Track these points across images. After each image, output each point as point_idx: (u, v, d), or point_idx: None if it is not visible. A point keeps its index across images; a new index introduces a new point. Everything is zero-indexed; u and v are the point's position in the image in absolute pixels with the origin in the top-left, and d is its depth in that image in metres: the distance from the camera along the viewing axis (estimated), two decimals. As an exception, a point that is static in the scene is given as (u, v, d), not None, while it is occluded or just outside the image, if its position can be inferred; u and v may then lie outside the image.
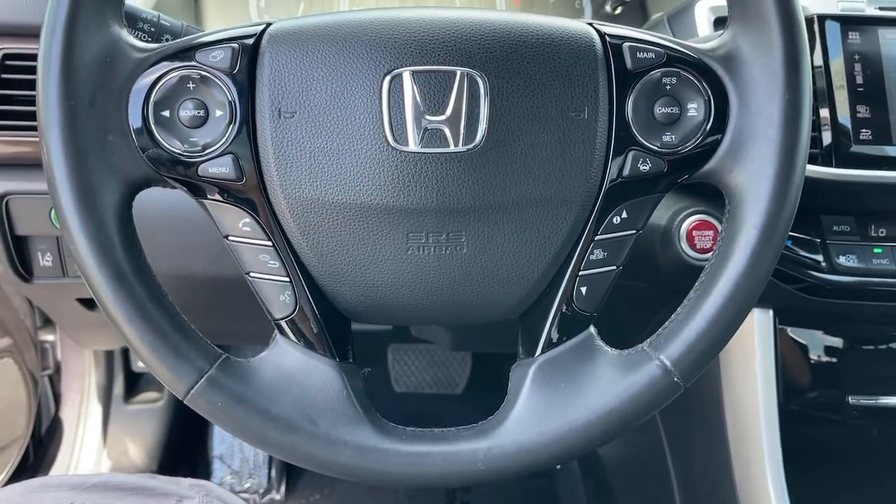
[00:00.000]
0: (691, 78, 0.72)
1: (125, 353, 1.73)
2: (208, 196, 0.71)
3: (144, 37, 0.83)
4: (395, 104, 0.69)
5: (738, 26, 0.72)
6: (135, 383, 1.75)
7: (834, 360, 1.16)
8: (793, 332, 1.14)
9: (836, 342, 1.15)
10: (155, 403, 1.74)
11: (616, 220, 0.73)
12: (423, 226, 0.71)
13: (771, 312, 1.12)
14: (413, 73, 0.69)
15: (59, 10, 0.66)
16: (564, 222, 0.73)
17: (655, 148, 0.72)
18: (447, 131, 0.69)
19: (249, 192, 0.71)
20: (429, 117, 0.69)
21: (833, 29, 1.04)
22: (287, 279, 0.73)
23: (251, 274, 0.73)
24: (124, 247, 0.69)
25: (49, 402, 1.73)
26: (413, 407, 1.82)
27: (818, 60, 1.03)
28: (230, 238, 0.72)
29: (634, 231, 0.74)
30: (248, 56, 0.70)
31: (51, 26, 0.67)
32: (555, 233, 0.73)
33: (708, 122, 0.72)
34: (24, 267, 1.12)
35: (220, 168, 0.70)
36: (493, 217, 0.71)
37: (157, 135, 0.70)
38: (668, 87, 0.72)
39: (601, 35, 0.73)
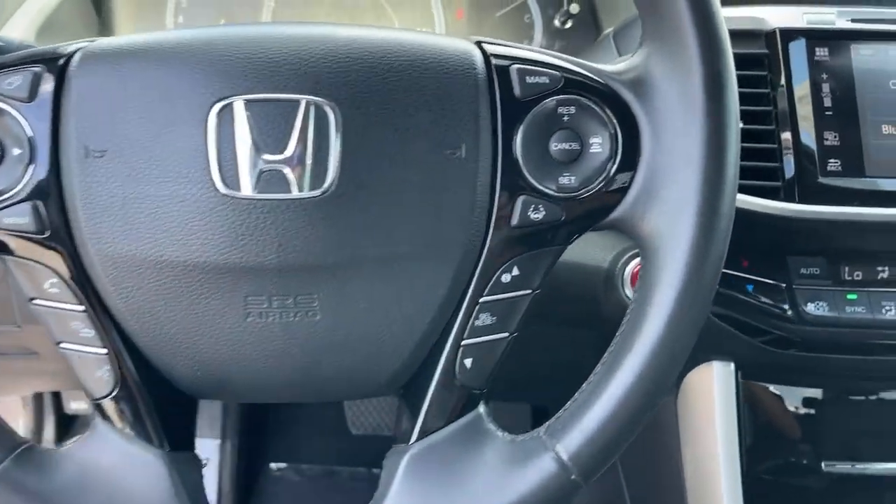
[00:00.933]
0: (594, 107, 0.59)
1: (56, 393, 1.61)
2: (7, 252, 0.59)
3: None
4: (224, 140, 0.56)
5: (651, 45, 0.59)
6: (68, 426, 1.63)
7: (805, 419, 1.02)
8: (757, 388, 1.00)
9: (808, 399, 1.01)
10: None
11: (505, 278, 0.61)
12: (263, 288, 0.58)
13: (732, 366, 0.98)
14: (247, 103, 0.56)
15: None
16: (441, 282, 0.60)
17: (551, 192, 0.59)
18: (289, 173, 0.56)
19: (55, 247, 0.59)
20: (266, 156, 0.56)
21: (798, 45, 0.90)
22: (105, 351, 0.60)
23: (62, 345, 0.61)
24: None
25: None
26: (371, 452, 1.68)
27: (781, 80, 0.90)
28: (35, 302, 0.60)
29: (529, 291, 0.61)
30: (52, 82, 0.58)
31: None
32: (429, 295, 0.60)
33: (614, 159, 0.59)
34: None
35: (18, 218, 0.58)
36: (351, 277, 0.59)
37: None
38: (565, 119, 0.59)
39: (485, 56, 0.60)
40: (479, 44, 0.62)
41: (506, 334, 0.62)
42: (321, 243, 0.57)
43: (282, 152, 0.56)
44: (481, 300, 0.61)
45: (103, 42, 0.60)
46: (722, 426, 0.98)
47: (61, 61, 0.58)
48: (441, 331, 0.61)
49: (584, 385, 0.61)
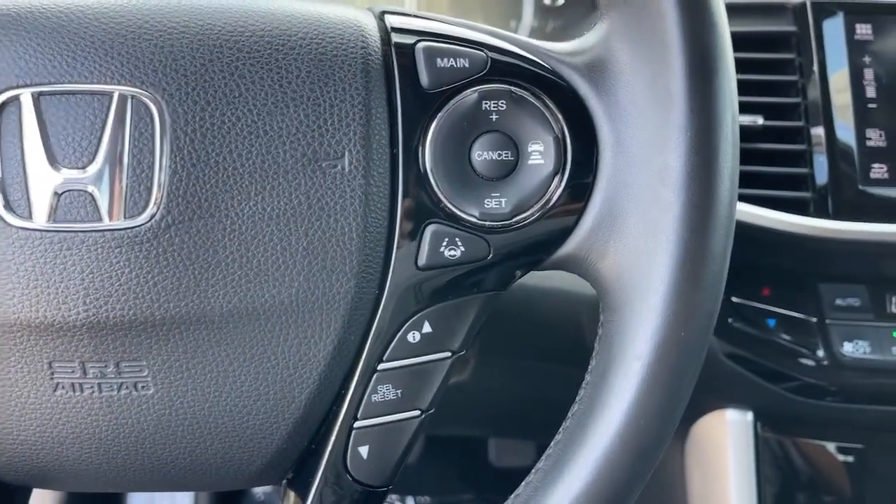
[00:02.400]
0: (533, 101, 0.43)
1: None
2: None
3: None
4: (9, 149, 0.40)
5: (612, 16, 0.42)
6: None
7: (836, 480, 0.83)
8: (779, 442, 0.82)
9: (840, 456, 0.83)
10: None
11: (412, 337, 0.44)
12: (73, 351, 0.42)
13: (750, 415, 0.81)
14: (37, 97, 0.40)
15: None
16: (320, 344, 0.43)
17: (472, 219, 0.43)
18: (97, 194, 0.40)
19: None
20: (66, 171, 0.40)
21: (834, 22, 0.72)
22: None
23: None
24: None
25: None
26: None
27: (812, 65, 0.72)
28: None
29: (448, 354, 0.45)
30: None
31: None
32: (305, 361, 0.43)
33: (562, 174, 0.43)
34: None
35: None
36: (191, 337, 0.42)
37: None
38: (493, 118, 0.43)
39: (384, 30, 0.44)
40: (382, 15, 0.45)
41: (416, 412, 0.45)
42: (144, 292, 0.41)
43: (87, 166, 0.40)
44: (380, 367, 0.44)
45: None
46: (737, 485, 0.81)
47: None
48: (327, 409, 0.45)
49: (529, 475, 0.44)
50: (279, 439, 0.45)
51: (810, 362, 0.74)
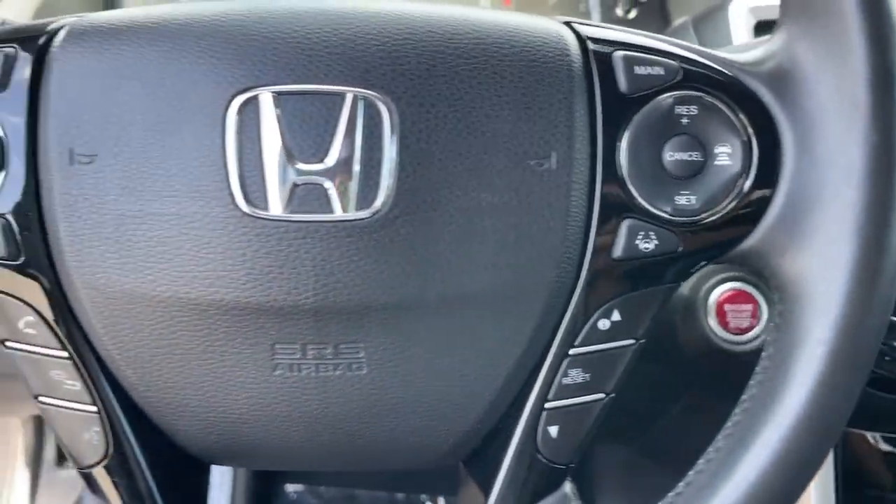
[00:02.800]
0: (722, 107, 0.46)
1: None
2: None
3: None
4: (247, 144, 0.43)
5: (795, 26, 0.46)
6: (70, 445, 1.51)
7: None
8: (860, 438, 0.86)
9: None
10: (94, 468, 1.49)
11: (603, 324, 0.47)
12: (296, 333, 0.45)
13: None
14: (277, 96, 0.43)
15: None
16: (520, 329, 0.47)
17: (665, 215, 0.46)
18: (330, 188, 0.43)
19: (31, 277, 0.46)
20: (301, 166, 0.43)
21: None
22: (93, 408, 0.48)
23: (41, 398, 0.48)
24: None
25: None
26: (391, 475, 1.55)
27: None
28: (8, 344, 0.48)
29: (632, 341, 0.48)
30: (29, 66, 0.45)
31: None
32: (506, 345, 0.47)
33: (747, 175, 0.46)
34: None
35: None
36: (407, 322, 0.46)
37: None
38: (684, 122, 0.46)
39: (581, 39, 0.47)
40: (568, 24, 0.49)
41: (601, 395, 0.49)
42: (370, 279, 0.44)
43: (321, 161, 0.43)
44: (571, 352, 0.47)
45: (94, 17, 0.47)
46: (815, 481, 0.84)
47: (41, 40, 0.46)
48: (519, 390, 0.48)
49: (700, 463, 0.47)
50: (473, 419, 0.49)
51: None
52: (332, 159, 0.43)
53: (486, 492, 0.50)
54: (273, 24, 0.44)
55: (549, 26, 0.47)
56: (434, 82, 0.44)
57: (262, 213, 0.44)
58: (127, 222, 0.44)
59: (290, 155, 0.43)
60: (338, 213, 0.43)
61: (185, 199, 0.44)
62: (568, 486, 0.50)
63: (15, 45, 0.45)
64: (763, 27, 0.81)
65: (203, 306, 0.45)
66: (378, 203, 0.44)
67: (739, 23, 0.82)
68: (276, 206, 0.43)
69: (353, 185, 0.43)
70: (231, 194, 0.43)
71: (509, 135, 0.45)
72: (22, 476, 1.48)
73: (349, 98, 0.43)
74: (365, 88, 0.43)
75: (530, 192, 0.45)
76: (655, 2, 1.01)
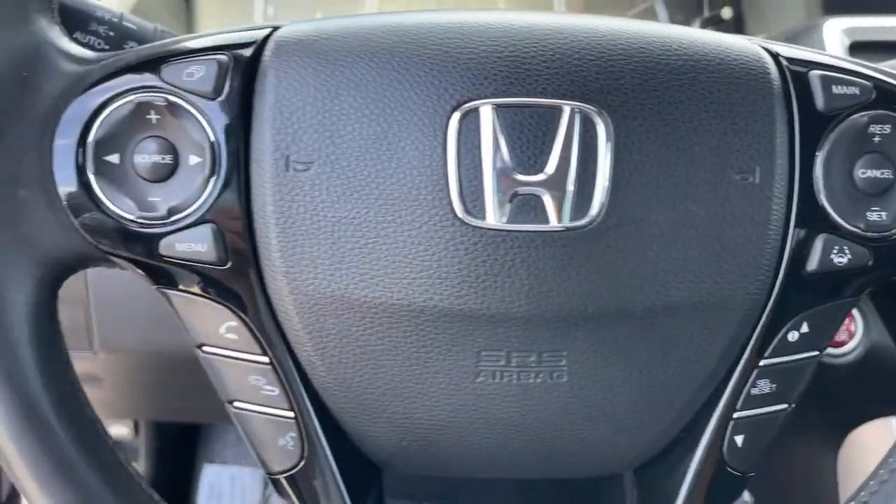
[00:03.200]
0: None
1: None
2: (174, 285, 0.47)
3: (98, 43, 0.58)
4: (467, 155, 0.44)
5: None
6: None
7: None
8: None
9: None
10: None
11: (792, 336, 0.49)
12: (503, 341, 0.46)
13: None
14: (497, 109, 0.44)
15: None
16: (716, 340, 0.48)
17: (857, 231, 0.48)
18: (547, 199, 0.44)
19: (237, 282, 0.46)
20: (520, 176, 0.44)
21: None
22: (291, 414, 0.48)
23: (236, 403, 0.48)
24: (41, 366, 0.45)
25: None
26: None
27: None
28: (206, 349, 0.48)
29: (817, 353, 0.50)
30: (242, 74, 0.46)
31: None
32: (701, 354, 0.48)
33: None
34: None
35: (194, 244, 0.45)
36: (610, 330, 0.46)
37: (97, 191, 0.45)
38: (876, 140, 0.48)
39: (775, 58, 0.49)
40: (760, 44, 0.50)
41: (785, 406, 0.50)
42: (581, 288, 0.45)
43: (539, 172, 0.44)
44: (761, 363, 0.49)
45: (297, 28, 0.47)
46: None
47: (250, 50, 0.46)
48: (705, 400, 0.49)
49: (871, 483, 0.49)
50: (661, 428, 0.50)
51: None
52: (549, 171, 0.44)
53: (667, 501, 0.50)
54: (489, 37, 0.45)
55: (748, 45, 0.48)
56: (647, 97, 0.45)
57: (479, 223, 0.44)
58: (342, 228, 0.45)
59: (508, 166, 0.44)
60: (553, 223, 0.44)
61: (402, 207, 0.44)
62: (747, 496, 0.51)
63: (226, 53, 0.46)
64: (857, 48, 0.83)
65: (415, 313, 0.45)
66: (592, 214, 0.44)
67: (834, 43, 0.83)
68: (493, 216, 0.44)
69: (569, 197, 0.44)
70: (450, 203, 0.44)
71: (716, 149, 0.46)
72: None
73: (567, 111, 0.44)
74: (581, 102, 0.44)
75: (734, 205, 0.46)
76: (732, 21, 1.03)
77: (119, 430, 1.49)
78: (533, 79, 0.44)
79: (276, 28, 0.48)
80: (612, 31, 0.46)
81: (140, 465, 1.53)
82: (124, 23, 0.59)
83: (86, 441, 0.46)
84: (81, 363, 0.92)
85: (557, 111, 0.44)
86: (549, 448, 0.49)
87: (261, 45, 0.46)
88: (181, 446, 1.59)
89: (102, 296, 0.82)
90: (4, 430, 0.44)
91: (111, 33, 0.59)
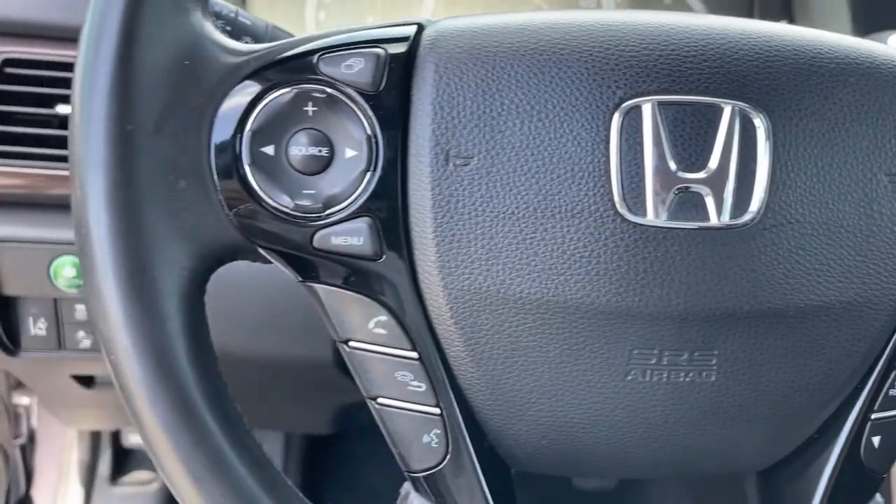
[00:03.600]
0: None
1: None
2: (323, 279, 0.46)
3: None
4: (629, 152, 0.44)
5: None
6: (124, 461, 1.47)
7: None
8: None
9: None
10: (147, 486, 1.46)
11: None
12: (656, 339, 0.46)
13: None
14: (659, 106, 0.44)
15: None
16: (860, 341, 0.48)
17: None
18: (708, 196, 0.44)
19: (389, 277, 0.46)
20: (681, 174, 0.44)
21: None
22: (437, 411, 0.47)
23: (380, 400, 0.48)
24: (193, 358, 0.44)
25: (19, 477, 1.45)
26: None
27: None
28: (352, 344, 0.47)
29: None
30: (399, 68, 0.45)
31: (101, 9, 0.42)
32: (844, 355, 0.48)
33: None
34: (8, 336, 0.86)
35: (350, 238, 0.45)
36: (762, 330, 0.47)
37: (253, 182, 0.45)
38: None
39: None
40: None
41: None
42: (737, 287, 0.45)
43: (700, 170, 0.44)
44: None
45: (454, 23, 0.47)
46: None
47: (405, 45, 0.46)
48: (842, 400, 0.50)
49: None
50: (798, 428, 0.50)
51: None
52: (709, 168, 0.44)
53: (802, 501, 0.51)
54: (649, 36, 0.45)
55: (886, 49, 0.49)
56: (803, 97, 0.46)
57: (639, 220, 0.44)
58: (500, 223, 0.45)
59: (669, 163, 0.44)
60: (713, 221, 0.44)
61: (563, 203, 0.44)
62: (879, 498, 0.51)
63: (383, 47, 0.46)
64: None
65: (570, 309, 0.45)
66: (752, 212, 0.45)
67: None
68: (654, 213, 0.44)
69: (728, 195, 0.44)
70: (612, 200, 0.44)
71: (866, 150, 0.46)
72: (75, 492, 1.44)
73: (727, 110, 0.44)
74: (741, 101, 0.45)
75: (882, 206, 0.47)
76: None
77: (139, 438, 1.48)
78: (695, 77, 0.45)
79: (419, 24, 0.48)
80: (766, 33, 0.47)
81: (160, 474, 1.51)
82: (240, 18, 0.59)
83: (237, 435, 0.45)
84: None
85: (718, 110, 0.44)
86: (685, 448, 0.49)
87: (414, 40, 0.46)
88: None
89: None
90: (158, 421, 0.43)
91: (228, 28, 0.58)
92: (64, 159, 0.78)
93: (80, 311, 0.85)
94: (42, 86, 0.79)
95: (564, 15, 0.47)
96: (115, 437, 1.47)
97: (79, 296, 0.83)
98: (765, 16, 1.05)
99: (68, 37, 0.79)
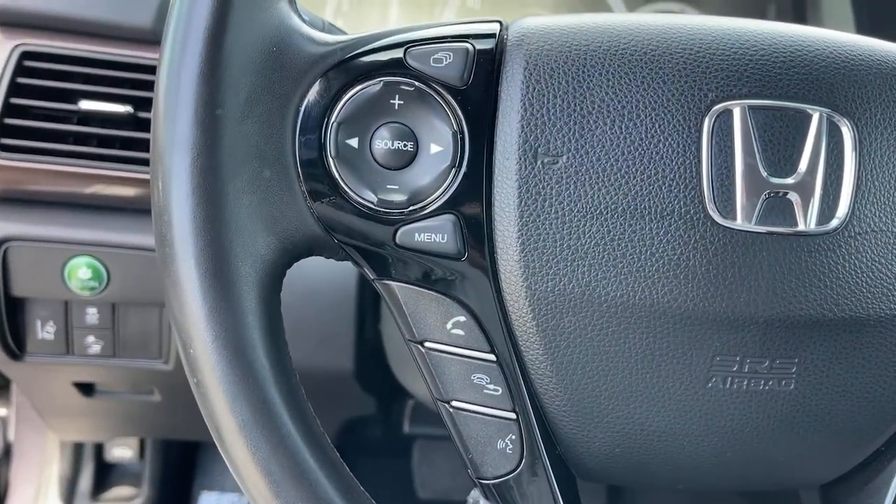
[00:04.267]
0: None
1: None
2: (401, 277, 0.45)
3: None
4: (719, 155, 0.44)
5: None
6: (106, 476, 1.43)
7: None
8: None
9: None
10: (130, 502, 1.41)
11: None
12: (739, 346, 0.45)
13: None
14: (749, 110, 0.44)
15: None
16: None
17: None
18: (797, 202, 0.44)
19: (471, 276, 0.45)
20: (771, 178, 0.44)
21: None
22: (513, 416, 0.46)
23: (454, 403, 0.46)
24: (272, 355, 0.43)
25: (-7, 492, 1.40)
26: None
27: None
28: (428, 344, 0.46)
29: None
30: (486, 64, 0.45)
31: None
32: None
33: None
34: (14, 339, 0.83)
35: (432, 235, 0.44)
36: (842, 339, 0.46)
37: (337, 175, 0.44)
38: None
39: None
40: None
41: None
42: (823, 294, 0.45)
43: (789, 175, 0.44)
44: None
45: (540, 21, 0.47)
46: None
47: (492, 41, 0.45)
48: None
49: None
50: (867, 441, 0.49)
51: None
52: (799, 174, 0.44)
53: None
54: (739, 41, 0.45)
55: None
56: (888, 106, 0.46)
57: (729, 223, 0.44)
58: (587, 224, 0.44)
59: (759, 167, 0.44)
60: (801, 226, 0.44)
61: (652, 205, 0.44)
62: None
63: (472, 43, 0.45)
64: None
65: (657, 313, 0.44)
66: (839, 219, 0.44)
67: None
68: (743, 217, 0.44)
69: (816, 201, 0.44)
70: (703, 203, 0.44)
71: None
72: (54, 507, 1.39)
73: (816, 116, 0.44)
74: (828, 108, 0.45)
75: None
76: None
77: (123, 452, 1.43)
78: (784, 83, 0.44)
79: (500, 22, 0.47)
80: (850, 42, 0.47)
81: (143, 490, 1.47)
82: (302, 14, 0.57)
83: (313, 436, 0.43)
84: (149, 374, 0.88)
85: (807, 116, 0.44)
86: (756, 459, 0.49)
87: (501, 35, 0.46)
88: (182, 472, 1.53)
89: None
90: (236, 421, 0.41)
91: None
92: (85, 156, 0.76)
93: (92, 314, 0.82)
94: (63, 81, 0.76)
95: (652, 18, 0.47)
96: (98, 450, 1.42)
97: (92, 298, 0.80)
98: (779, 17, 1.07)
99: (89, 31, 0.77)
